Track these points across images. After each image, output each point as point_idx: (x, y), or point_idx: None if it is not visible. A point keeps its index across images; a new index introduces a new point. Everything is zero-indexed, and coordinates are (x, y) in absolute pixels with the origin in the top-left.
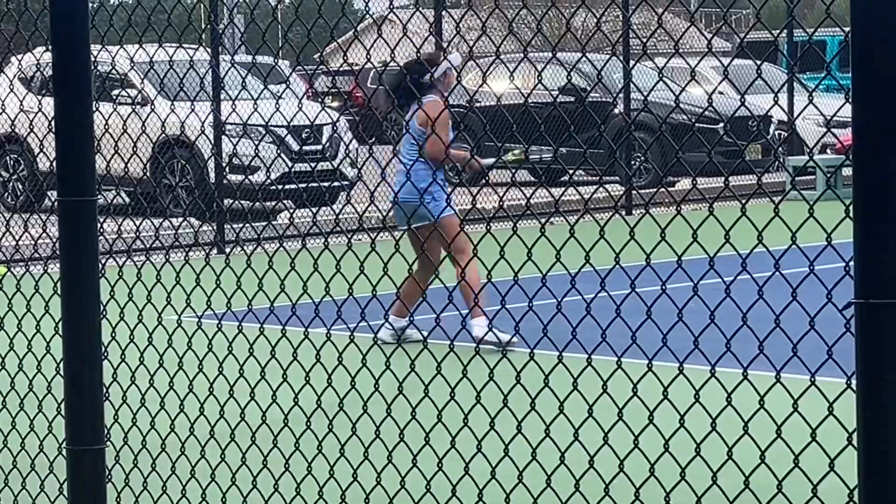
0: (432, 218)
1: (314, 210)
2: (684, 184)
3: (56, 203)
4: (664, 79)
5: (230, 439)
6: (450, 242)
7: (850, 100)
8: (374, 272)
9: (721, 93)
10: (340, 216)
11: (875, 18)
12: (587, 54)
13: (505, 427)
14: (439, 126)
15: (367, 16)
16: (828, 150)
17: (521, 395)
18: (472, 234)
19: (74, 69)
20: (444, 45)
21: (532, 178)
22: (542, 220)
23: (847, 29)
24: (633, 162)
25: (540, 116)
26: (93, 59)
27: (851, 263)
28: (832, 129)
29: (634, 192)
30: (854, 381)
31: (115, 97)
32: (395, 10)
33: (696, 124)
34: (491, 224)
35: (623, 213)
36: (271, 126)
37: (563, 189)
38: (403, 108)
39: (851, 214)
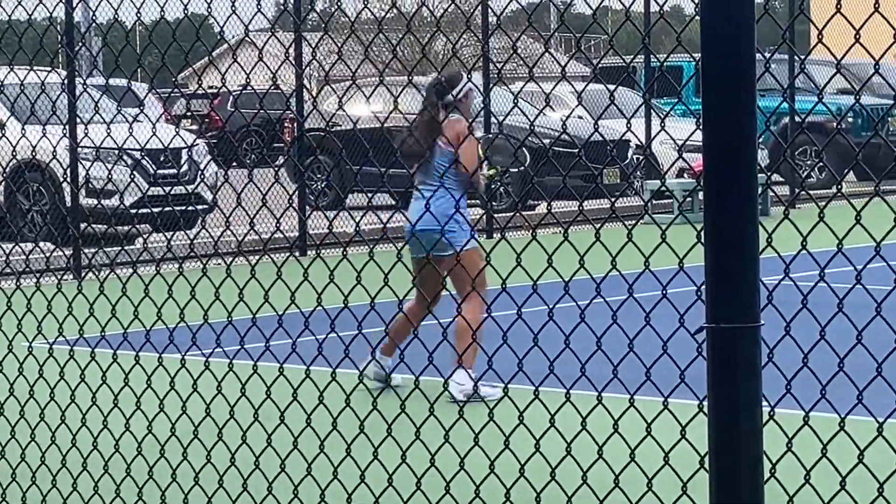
0: (454, 249)
1: (169, 235)
2: (544, 207)
3: None
4: (520, 104)
5: (82, 468)
6: (474, 277)
7: (701, 125)
8: (230, 298)
9: (580, 117)
10: (196, 241)
11: (723, 45)
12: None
13: (361, 453)
14: (471, 145)
15: (223, 40)
16: (685, 175)
17: (377, 421)
18: (330, 259)
19: None
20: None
21: (391, 202)
22: (399, 246)
23: (698, 55)
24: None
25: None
26: None
27: (703, 288)
28: (687, 154)
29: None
30: (706, 405)
31: None
32: (251, 34)
33: (554, 148)
34: (348, 249)
35: (483, 236)
36: (127, 149)
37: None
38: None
39: (703, 239)
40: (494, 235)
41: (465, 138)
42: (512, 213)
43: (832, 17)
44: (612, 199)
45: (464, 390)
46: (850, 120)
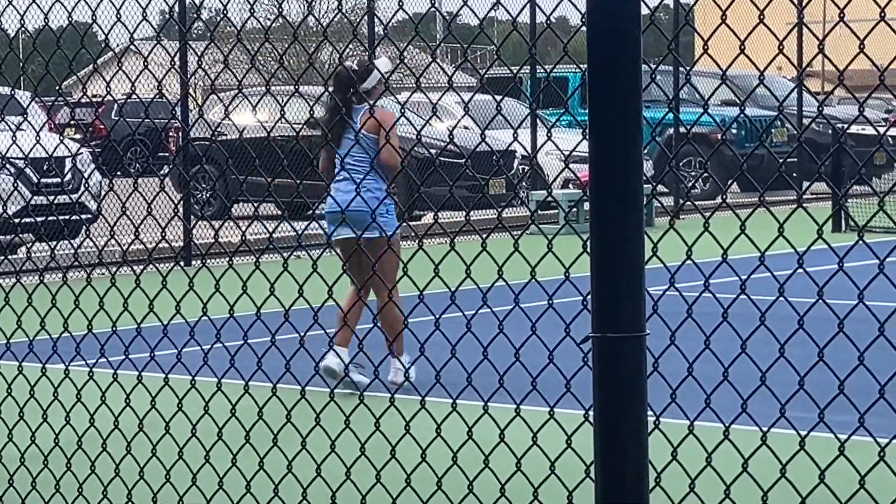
0: (384, 233)
1: (53, 244)
2: (430, 217)
3: None
4: (406, 114)
5: None
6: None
7: (588, 135)
8: (115, 308)
9: (466, 127)
10: (80, 250)
11: (609, 56)
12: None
13: (246, 464)
14: (393, 135)
15: (108, 48)
16: (570, 185)
17: (263, 430)
18: (215, 269)
19: None
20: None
21: (277, 212)
22: (286, 255)
23: (585, 66)
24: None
25: (286, 150)
26: None
27: (589, 298)
28: (573, 165)
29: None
30: (592, 414)
31: None
32: (137, 42)
33: (441, 158)
34: (233, 259)
35: None
36: (10, 158)
37: (306, 223)
38: (341, 118)
39: (589, 249)
40: None
41: (392, 127)
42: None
43: (717, 28)
44: (499, 210)
45: (400, 372)
46: (734, 131)
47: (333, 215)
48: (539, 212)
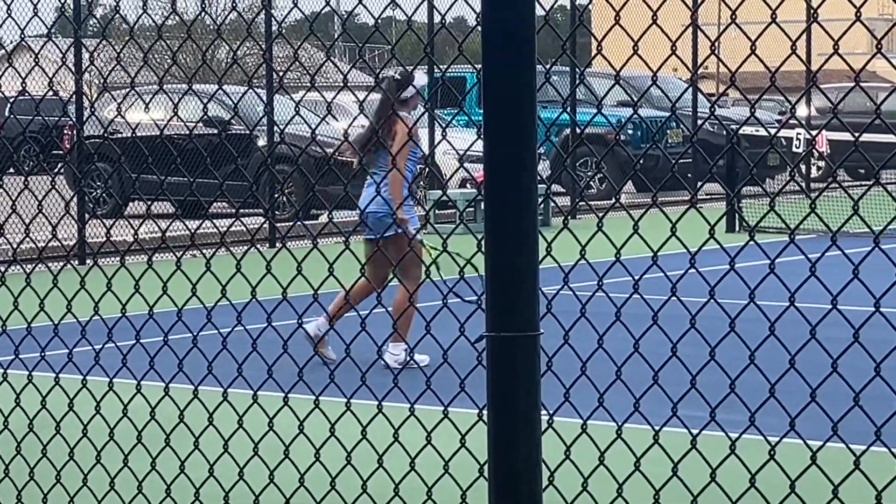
0: (405, 233)
1: None
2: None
3: None
4: (302, 112)
5: None
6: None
7: (482, 135)
8: (5, 307)
9: (363, 126)
10: None
11: (504, 56)
12: (228, 87)
13: (138, 464)
14: (402, 152)
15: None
16: (467, 185)
17: (155, 430)
18: (108, 267)
19: None
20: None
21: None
22: (179, 254)
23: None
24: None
25: (180, 148)
26: None
27: (483, 297)
28: (469, 164)
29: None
30: (486, 413)
31: None
32: (29, 39)
33: (337, 157)
34: (126, 257)
35: (266, 245)
36: None
37: (200, 222)
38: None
39: (483, 248)
40: (276, 244)
41: (408, 139)
42: (293, 223)
43: (610, 29)
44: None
45: (397, 359)
46: (630, 132)
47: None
48: (437, 211)
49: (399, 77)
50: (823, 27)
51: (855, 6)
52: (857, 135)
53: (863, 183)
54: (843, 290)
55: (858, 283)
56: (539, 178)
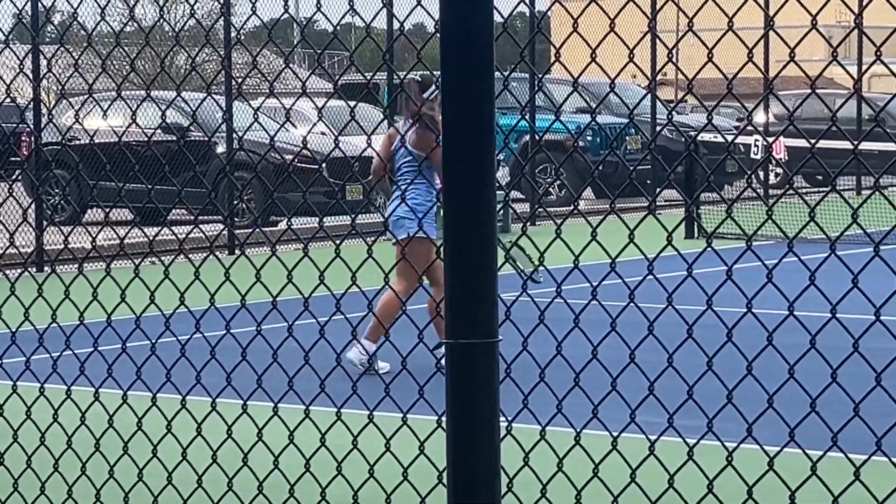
0: (406, 234)
1: None
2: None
3: None
4: (262, 119)
5: None
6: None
7: (441, 142)
8: None
9: (324, 133)
10: None
11: (462, 63)
12: (187, 93)
13: (95, 472)
14: (437, 152)
15: None
16: None
17: (114, 438)
18: (66, 275)
19: None
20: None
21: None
22: (137, 261)
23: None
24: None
25: (139, 155)
26: None
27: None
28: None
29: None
30: (444, 420)
31: None
32: None
33: (296, 164)
34: (84, 264)
35: (225, 252)
36: None
37: (158, 228)
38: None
39: (443, 255)
40: (235, 252)
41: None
42: (251, 230)
43: (568, 36)
44: (353, 216)
45: (361, 360)
46: (589, 138)
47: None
48: None
49: (420, 79)
50: (779, 34)
51: (811, 14)
52: (813, 142)
53: (820, 189)
54: (799, 296)
55: (815, 289)
56: (498, 184)
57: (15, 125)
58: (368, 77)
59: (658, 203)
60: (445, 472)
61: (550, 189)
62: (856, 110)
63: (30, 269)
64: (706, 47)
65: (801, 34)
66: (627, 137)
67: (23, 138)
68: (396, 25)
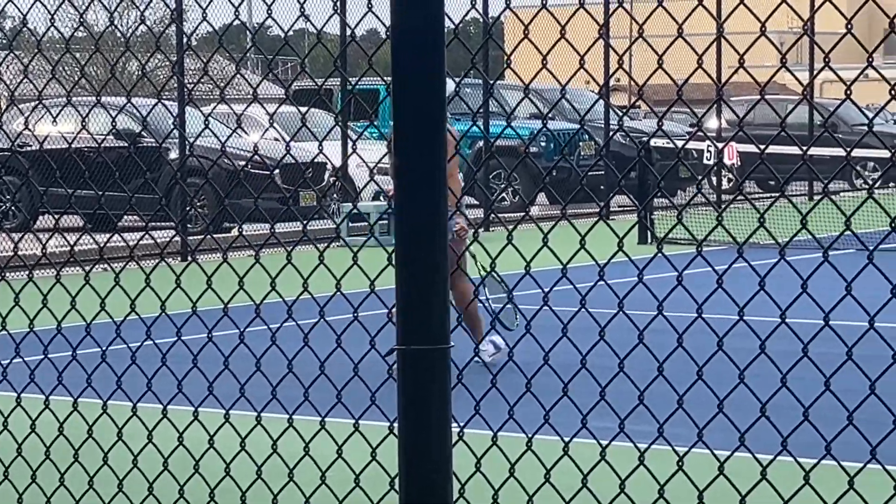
0: (452, 235)
1: None
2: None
3: None
4: (213, 125)
5: None
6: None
7: (392, 148)
8: None
9: (277, 139)
10: None
11: (414, 69)
12: (138, 99)
13: (46, 479)
14: (455, 159)
15: None
16: (381, 197)
17: (64, 446)
18: (15, 282)
19: None
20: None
21: (81, 223)
22: (88, 268)
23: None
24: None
25: (89, 161)
26: None
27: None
28: (382, 177)
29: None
30: (396, 426)
31: None
32: None
33: (248, 170)
34: (34, 271)
35: (178, 259)
36: None
37: (109, 235)
38: None
39: (395, 261)
40: (187, 258)
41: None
42: (203, 236)
43: (520, 42)
44: (304, 223)
45: (491, 354)
46: (542, 144)
47: None
48: (351, 224)
49: None
50: (729, 41)
51: (760, 20)
52: (762, 147)
53: (772, 195)
54: (749, 301)
55: (765, 294)
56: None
57: None
58: (320, 83)
59: (612, 209)
60: (397, 479)
61: (504, 195)
62: (808, 116)
63: None
64: (656, 53)
65: (753, 40)
66: (581, 143)
67: None
68: (349, 31)
